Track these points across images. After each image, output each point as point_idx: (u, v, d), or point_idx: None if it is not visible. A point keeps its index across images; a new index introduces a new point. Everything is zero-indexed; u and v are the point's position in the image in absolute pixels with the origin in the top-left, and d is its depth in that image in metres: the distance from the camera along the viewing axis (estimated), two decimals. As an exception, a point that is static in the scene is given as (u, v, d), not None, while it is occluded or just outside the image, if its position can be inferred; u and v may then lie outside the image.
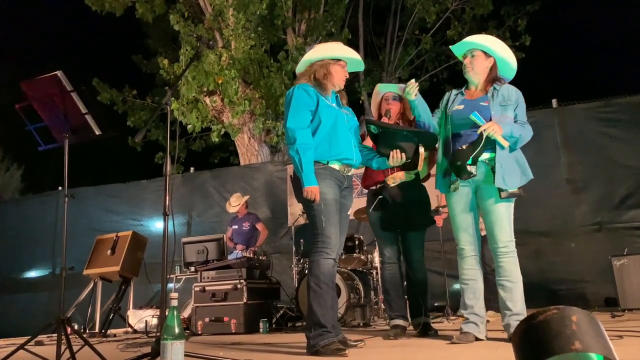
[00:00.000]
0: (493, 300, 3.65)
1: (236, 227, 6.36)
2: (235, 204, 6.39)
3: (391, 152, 2.91)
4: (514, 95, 2.95)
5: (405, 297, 3.49)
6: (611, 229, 5.47)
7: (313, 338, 2.62)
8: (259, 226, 6.39)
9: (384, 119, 3.29)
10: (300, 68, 3.09)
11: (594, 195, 5.62)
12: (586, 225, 5.56)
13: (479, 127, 2.79)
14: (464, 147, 2.82)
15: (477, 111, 2.86)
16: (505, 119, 2.85)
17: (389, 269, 3.44)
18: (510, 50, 3.05)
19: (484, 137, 2.75)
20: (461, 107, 2.98)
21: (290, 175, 2.99)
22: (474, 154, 2.78)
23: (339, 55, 3.03)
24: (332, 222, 2.79)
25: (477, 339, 2.86)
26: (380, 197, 3.35)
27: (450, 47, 3.10)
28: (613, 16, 12.01)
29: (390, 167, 3.07)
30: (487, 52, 2.99)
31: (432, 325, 3.43)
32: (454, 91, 3.14)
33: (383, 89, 3.47)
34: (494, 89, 2.96)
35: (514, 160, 2.86)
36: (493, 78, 3.00)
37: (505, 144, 2.79)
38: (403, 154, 2.91)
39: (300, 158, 2.73)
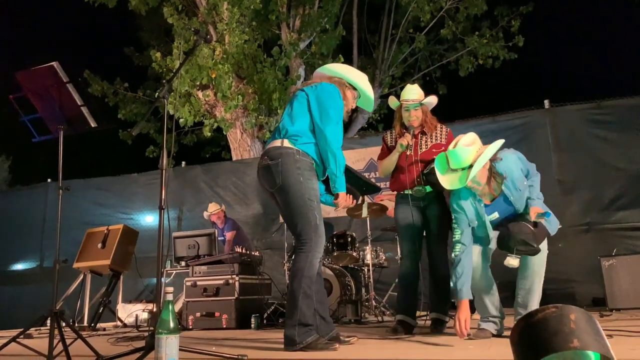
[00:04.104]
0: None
1: (221, 239, 6.36)
2: (211, 209, 6.51)
3: (341, 194, 2.84)
4: (522, 170, 2.93)
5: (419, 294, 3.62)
6: (600, 229, 5.53)
7: (299, 335, 2.60)
8: (229, 235, 6.37)
9: (407, 135, 3.46)
10: (320, 72, 3.05)
11: (583, 196, 5.67)
12: (576, 226, 5.61)
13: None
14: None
15: (498, 210, 2.93)
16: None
17: (403, 265, 3.55)
18: (490, 146, 2.86)
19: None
20: (495, 215, 2.95)
21: (267, 165, 2.84)
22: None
23: (359, 85, 3.03)
24: (322, 220, 2.77)
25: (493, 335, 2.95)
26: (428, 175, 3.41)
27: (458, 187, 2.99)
28: (606, 19, 12.13)
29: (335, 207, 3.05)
30: (482, 164, 2.78)
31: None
32: (464, 200, 2.94)
33: (403, 96, 3.56)
34: (504, 179, 2.87)
35: None
36: (494, 172, 2.88)
37: None
38: (352, 197, 2.98)
39: (342, 160, 2.72)
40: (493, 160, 2.84)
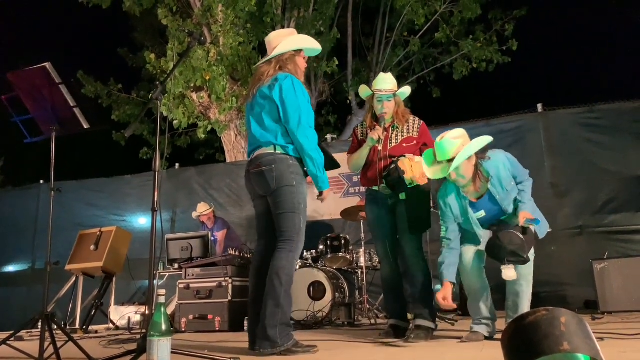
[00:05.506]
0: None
1: (212, 239, 6.33)
2: (201, 210, 6.48)
3: (325, 191, 2.87)
4: (509, 171, 2.94)
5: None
6: (592, 232, 5.55)
7: (282, 337, 2.58)
8: (220, 234, 6.35)
9: (378, 129, 3.28)
10: (274, 50, 2.90)
11: (576, 199, 5.70)
12: (568, 229, 5.63)
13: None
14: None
15: (485, 209, 2.94)
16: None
17: (382, 268, 3.47)
18: (478, 139, 2.87)
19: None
20: (482, 214, 2.97)
21: (260, 172, 2.85)
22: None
23: (306, 47, 3.00)
24: (305, 224, 2.80)
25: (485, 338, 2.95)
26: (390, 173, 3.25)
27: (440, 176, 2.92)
28: (600, 23, 12.21)
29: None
30: (466, 155, 2.81)
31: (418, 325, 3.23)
32: (449, 196, 3.00)
33: (376, 85, 3.37)
34: (490, 178, 2.90)
35: None
36: (480, 170, 2.91)
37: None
38: None
39: (319, 160, 2.72)
40: (481, 158, 2.88)
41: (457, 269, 2.98)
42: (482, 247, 2.96)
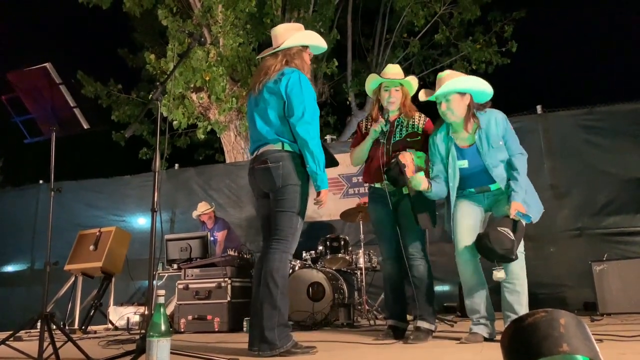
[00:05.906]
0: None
1: (211, 239, 6.32)
2: (202, 209, 6.46)
3: (322, 191, 2.85)
4: (500, 129, 2.98)
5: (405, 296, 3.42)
6: (591, 234, 5.56)
7: (280, 339, 2.58)
8: (220, 235, 6.35)
9: (381, 120, 3.24)
10: (281, 44, 2.87)
11: (575, 201, 5.70)
12: (567, 231, 5.64)
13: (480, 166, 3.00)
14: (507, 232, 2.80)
15: (469, 160, 2.99)
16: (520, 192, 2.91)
17: (385, 267, 3.41)
18: (478, 78, 3.02)
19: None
20: (465, 163, 3.01)
21: (267, 168, 2.81)
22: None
23: (312, 43, 3.00)
24: (301, 226, 2.78)
25: (485, 339, 2.94)
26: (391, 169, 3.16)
27: (430, 98, 3.04)
28: (599, 25, 12.23)
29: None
30: (462, 92, 2.98)
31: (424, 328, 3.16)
32: (438, 134, 3.11)
33: (385, 77, 3.33)
34: (479, 128, 2.98)
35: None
36: (473, 112, 3.01)
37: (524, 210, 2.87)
38: None
39: (320, 157, 2.69)
40: (478, 109, 3.00)
41: (442, 191, 3.06)
42: (471, 241, 2.94)
